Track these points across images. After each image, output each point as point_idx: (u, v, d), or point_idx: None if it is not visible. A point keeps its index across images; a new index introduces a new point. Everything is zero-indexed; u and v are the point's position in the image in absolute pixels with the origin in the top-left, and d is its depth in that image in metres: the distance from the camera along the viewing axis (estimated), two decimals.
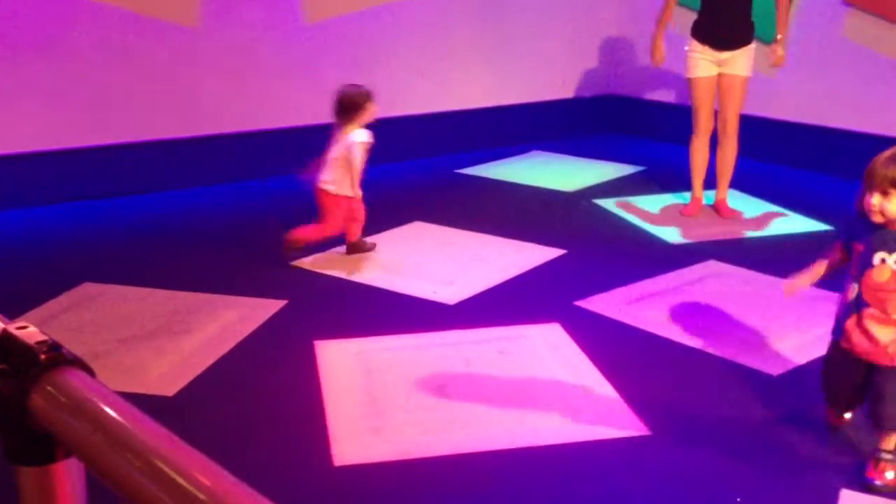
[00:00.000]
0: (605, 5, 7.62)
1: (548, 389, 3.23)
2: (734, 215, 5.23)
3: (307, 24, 6.26)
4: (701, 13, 5.02)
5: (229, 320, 3.79)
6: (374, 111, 4.54)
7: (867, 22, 5.92)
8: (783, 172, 6.34)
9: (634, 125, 7.62)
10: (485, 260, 4.56)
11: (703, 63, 4.99)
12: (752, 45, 4.96)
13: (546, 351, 3.54)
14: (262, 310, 3.88)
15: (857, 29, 6.00)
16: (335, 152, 4.46)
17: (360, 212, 4.58)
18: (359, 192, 4.52)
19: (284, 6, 6.14)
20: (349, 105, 4.46)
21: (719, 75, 5.00)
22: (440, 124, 6.96)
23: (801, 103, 6.31)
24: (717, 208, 5.30)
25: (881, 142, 5.94)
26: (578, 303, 4.01)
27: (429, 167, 6.68)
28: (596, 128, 7.77)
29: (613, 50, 7.73)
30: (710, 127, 5.13)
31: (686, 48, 5.06)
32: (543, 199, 5.80)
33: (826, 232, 4.95)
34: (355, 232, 4.61)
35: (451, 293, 4.10)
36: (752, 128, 6.82)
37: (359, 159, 4.44)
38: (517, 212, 5.51)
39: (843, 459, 2.78)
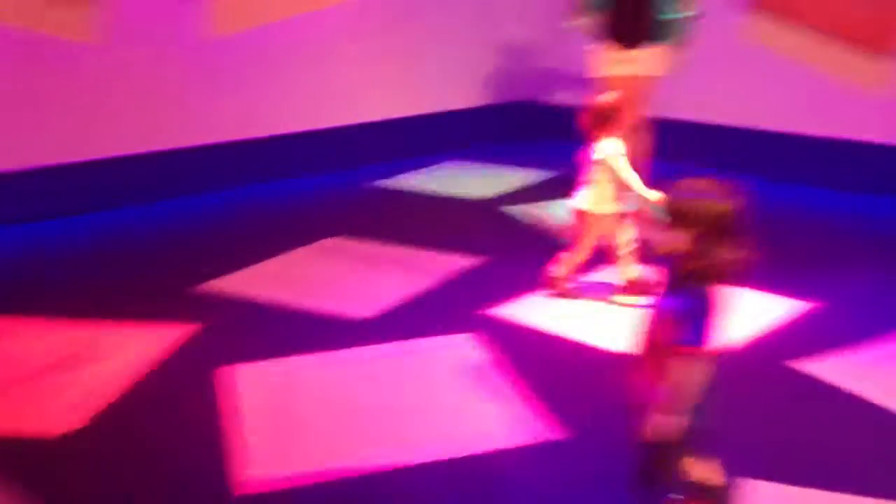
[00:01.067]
0: (507, 12, 7.68)
1: (461, 400, 3.22)
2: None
3: (212, 37, 6.14)
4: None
5: (137, 349, 3.67)
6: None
7: (767, 23, 6.10)
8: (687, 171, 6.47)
9: (545, 130, 7.69)
10: (398, 273, 4.54)
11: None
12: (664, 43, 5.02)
13: (459, 362, 3.53)
14: (171, 336, 3.78)
15: (757, 30, 6.17)
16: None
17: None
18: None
19: (190, 20, 6.01)
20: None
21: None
22: (351, 137, 6.91)
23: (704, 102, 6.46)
24: None
25: (777, 136, 6.19)
26: (491, 312, 4.01)
27: (341, 181, 6.63)
28: (507, 134, 7.82)
29: (521, 56, 7.80)
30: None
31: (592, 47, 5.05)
32: (456, 209, 5.81)
33: None
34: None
35: (364, 309, 4.06)
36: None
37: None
38: (430, 223, 5.50)
39: (750, 444, 2.84)
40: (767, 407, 3.14)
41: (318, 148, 6.75)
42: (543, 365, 3.52)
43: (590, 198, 4.00)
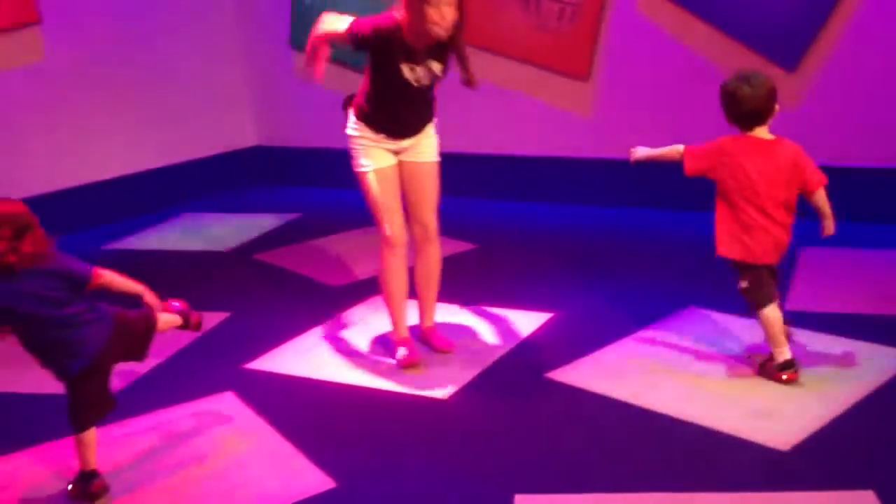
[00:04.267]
0: (232, 58, 7.55)
1: (227, 465, 3.06)
2: (451, 347, 3.88)
3: None
4: (371, 105, 3.62)
5: None
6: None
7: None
8: None
9: (284, 174, 7.62)
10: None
11: (378, 152, 3.67)
12: (434, 121, 3.79)
13: (220, 424, 3.36)
14: None
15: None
16: None
17: None
18: None
19: None
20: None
21: (401, 164, 3.71)
22: (73, 199, 6.43)
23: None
24: (428, 339, 3.90)
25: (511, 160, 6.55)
26: (249, 365, 3.87)
27: (69, 247, 6.10)
28: (245, 181, 7.65)
29: (253, 100, 7.68)
30: (405, 234, 3.76)
31: (352, 132, 3.70)
32: (199, 263, 5.57)
33: (474, 250, 5.26)
34: None
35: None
36: None
37: None
38: (172, 281, 5.21)
39: (515, 466, 2.93)
40: (531, 418, 3.26)
41: (42, 213, 6.19)
42: (308, 412, 3.44)
43: None
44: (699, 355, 3.61)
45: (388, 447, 3.12)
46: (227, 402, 3.52)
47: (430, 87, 3.58)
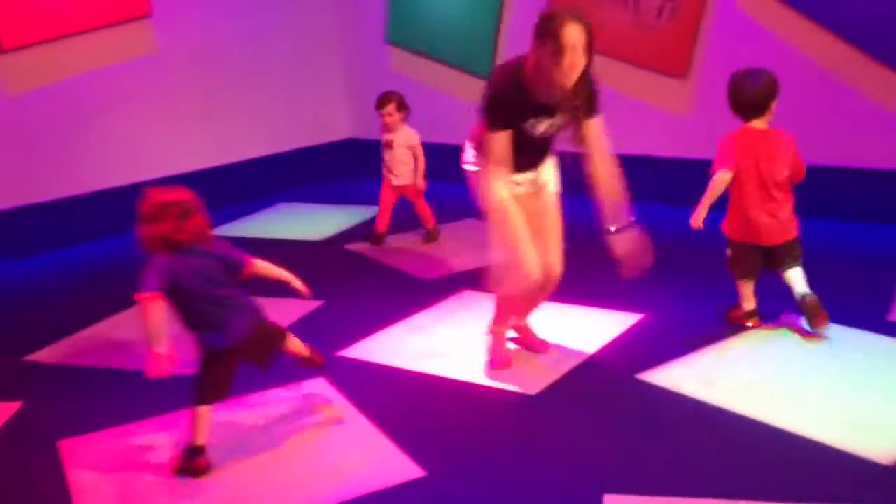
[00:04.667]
0: (332, 51, 7.70)
1: (321, 448, 3.14)
2: (547, 348, 3.84)
3: (9, 96, 5.79)
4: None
5: None
6: None
7: None
8: None
9: (378, 166, 7.72)
10: None
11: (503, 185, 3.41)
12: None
13: (314, 409, 3.45)
14: None
15: None
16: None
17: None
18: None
19: None
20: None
21: (523, 196, 3.48)
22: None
23: None
24: (524, 338, 3.88)
25: None
26: (341, 353, 3.95)
27: None
28: (339, 173, 7.81)
29: (349, 94, 7.82)
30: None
31: (475, 169, 3.52)
32: (294, 252, 5.70)
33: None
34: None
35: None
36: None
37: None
38: None
39: (606, 465, 2.92)
40: (620, 418, 3.24)
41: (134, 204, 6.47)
42: (398, 400, 3.49)
43: None
44: (795, 363, 3.52)
45: (477, 440, 3.15)
46: (320, 388, 3.61)
47: (550, 138, 3.45)
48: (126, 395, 3.67)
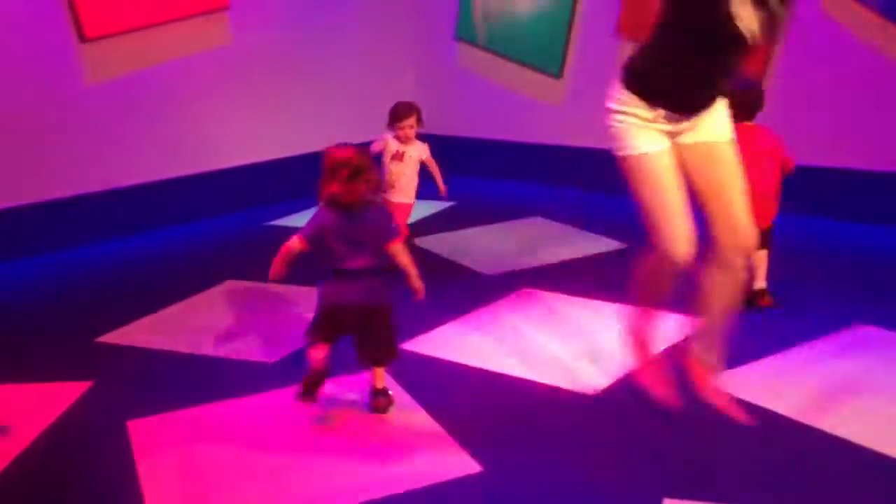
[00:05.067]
0: (398, 50, 7.75)
1: (377, 439, 3.17)
2: (740, 417, 3.08)
3: (89, 85, 5.96)
4: (658, 64, 2.74)
5: (26, 411, 3.47)
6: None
7: None
8: (583, 197, 6.64)
9: (441, 162, 7.74)
10: (302, 313, 4.45)
11: (649, 133, 2.80)
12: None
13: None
14: (63, 395, 3.59)
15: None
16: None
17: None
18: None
19: (63, 69, 5.83)
20: None
21: (680, 149, 2.85)
22: (244, 177, 6.81)
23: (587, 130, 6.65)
24: (706, 391, 3.13)
25: None
26: (402, 345, 3.97)
27: (237, 222, 6.50)
28: None
29: (415, 89, 7.85)
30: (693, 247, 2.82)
31: (615, 105, 2.84)
32: None
33: (624, 249, 5.20)
34: None
35: (270, 352, 3.96)
36: (540, 155, 7.13)
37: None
38: None
39: (667, 468, 2.89)
40: (685, 423, 3.20)
41: (209, 191, 6.62)
42: (458, 396, 3.50)
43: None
44: (861, 373, 3.43)
45: (535, 438, 3.14)
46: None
47: (749, 41, 2.58)
48: (194, 378, 3.76)
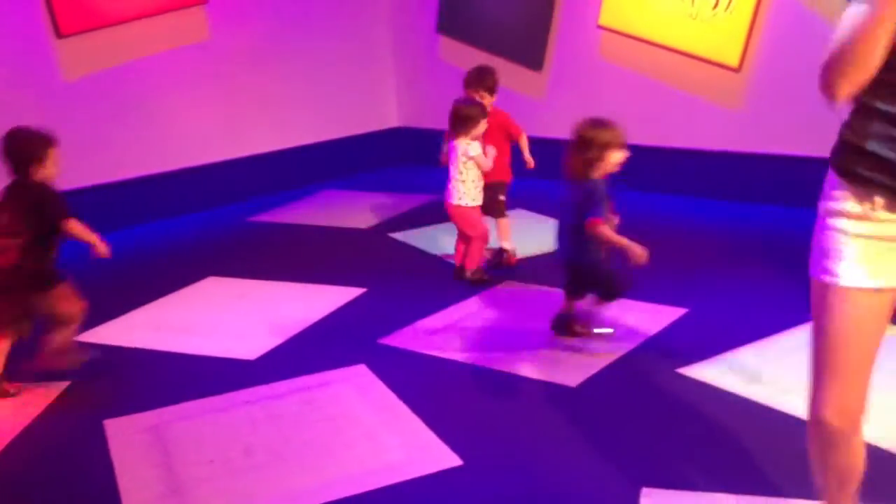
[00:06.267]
0: (378, 43, 7.72)
1: (357, 434, 3.16)
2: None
3: (66, 81, 5.91)
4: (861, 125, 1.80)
5: (3, 411, 3.44)
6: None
7: (618, 42, 6.34)
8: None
9: (424, 155, 7.74)
10: (284, 309, 4.44)
11: (865, 248, 1.83)
12: None
13: (353, 394, 3.47)
14: (40, 395, 3.56)
15: (610, 50, 6.41)
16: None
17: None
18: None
19: (39, 65, 5.77)
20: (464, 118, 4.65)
21: None
22: (224, 173, 6.77)
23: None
24: None
25: (655, 152, 6.43)
26: (382, 340, 3.97)
27: (218, 218, 6.47)
28: (383, 161, 7.83)
29: (397, 83, 7.83)
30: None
31: (820, 205, 1.91)
32: (338, 239, 5.75)
33: None
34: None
35: (250, 348, 3.95)
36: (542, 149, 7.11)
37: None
38: (313, 255, 5.42)
39: (645, 458, 2.89)
40: (660, 411, 3.21)
41: (189, 187, 6.58)
42: (437, 389, 3.50)
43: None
44: None
45: (515, 430, 3.14)
46: (360, 374, 3.63)
47: None
48: (174, 376, 3.74)
